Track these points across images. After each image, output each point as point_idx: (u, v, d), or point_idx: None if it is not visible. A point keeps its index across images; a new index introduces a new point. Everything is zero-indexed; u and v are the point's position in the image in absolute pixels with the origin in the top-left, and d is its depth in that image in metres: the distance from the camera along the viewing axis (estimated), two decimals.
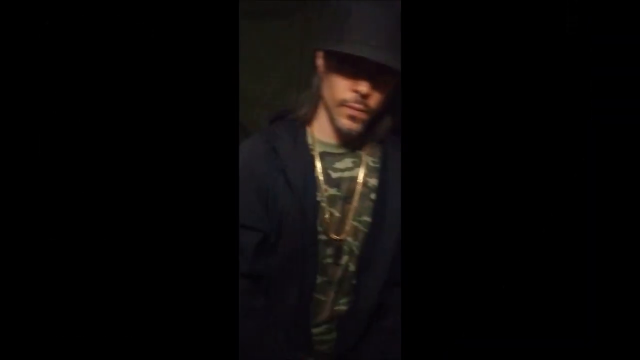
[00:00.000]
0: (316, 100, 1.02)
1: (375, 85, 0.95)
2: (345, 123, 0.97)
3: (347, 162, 1.03)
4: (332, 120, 1.00)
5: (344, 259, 1.02)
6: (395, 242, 1.01)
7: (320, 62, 1.00)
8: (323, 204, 1.00)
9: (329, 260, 1.01)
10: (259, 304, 1.02)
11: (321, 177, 1.01)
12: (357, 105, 0.95)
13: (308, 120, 1.04)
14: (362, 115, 0.96)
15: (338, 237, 1.00)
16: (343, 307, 1.04)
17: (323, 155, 1.02)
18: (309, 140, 1.03)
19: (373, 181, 1.03)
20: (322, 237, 1.00)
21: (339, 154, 1.03)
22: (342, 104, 0.96)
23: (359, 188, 1.02)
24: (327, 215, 1.00)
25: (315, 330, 1.04)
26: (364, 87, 0.93)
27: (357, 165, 1.03)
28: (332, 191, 1.01)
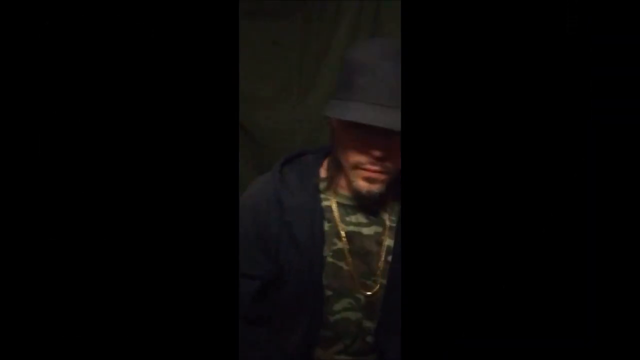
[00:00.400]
0: (336, 163, 0.93)
1: (392, 146, 0.85)
2: (363, 185, 0.89)
3: (360, 217, 0.95)
4: (349, 181, 0.91)
5: (356, 315, 0.96)
6: None
7: (334, 123, 0.91)
8: (330, 259, 0.93)
9: (339, 316, 0.95)
10: (259, 337, 0.99)
11: (331, 230, 0.94)
12: (373, 168, 0.87)
13: (330, 183, 0.96)
14: (381, 177, 0.88)
15: (368, 293, 0.94)
16: (349, 358, 0.99)
17: (337, 207, 0.95)
18: (322, 188, 0.96)
19: (389, 242, 0.95)
20: (329, 292, 0.94)
21: (353, 207, 0.95)
22: (357, 166, 0.88)
23: (373, 247, 0.95)
24: (346, 267, 0.93)
25: None
26: (377, 152, 0.85)
27: (373, 222, 0.96)
28: (341, 245, 0.94)
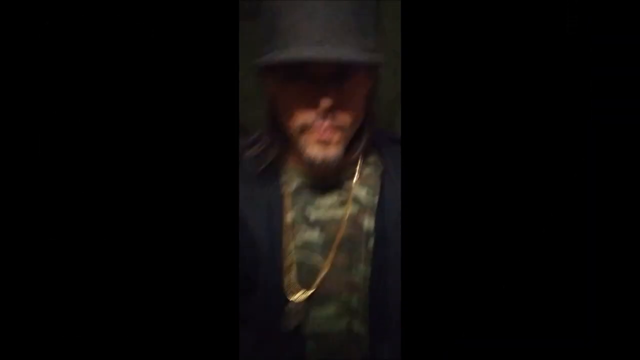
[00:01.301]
0: (282, 136, 0.79)
1: (341, 94, 0.72)
2: (317, 152, 0.73)
3: (331, 198, 0.80)
4: (299, 154, 0.76)
5: (343, 320, 0.79)
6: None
7: (268, 83, 0.78)
8: (294, 255, 0.78)
9: (325, 327, 0.79)
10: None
11: (295, 220, 0.79)
12: (324, 125, 0.72)
13: (283, 160, 0.82)
14: (336, 137, 0.73)
15: (301, 298, 0.77)
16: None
17: (299, 191, 0.80)
18: (284, 172, 0.81)
19: (368, 223, 0.80)
20: (297, 295, 0.78)
21: (321, 188, 0.80)
22: (305, 129, 0.73)
23: (349, 232, 0.79)
24: (322, 263, 0.78)
25: None
26: (325, 101, 0.71)
27: (344, 202, 0.80)
28: (311, 235, 0.79)
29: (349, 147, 0.77)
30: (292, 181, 0.81)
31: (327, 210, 0.80)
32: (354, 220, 0.80)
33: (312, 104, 0.72)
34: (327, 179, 0.80)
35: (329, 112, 0.72)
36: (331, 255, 0.79)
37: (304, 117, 0.73)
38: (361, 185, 0.81)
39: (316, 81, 0.71)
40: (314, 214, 0.80)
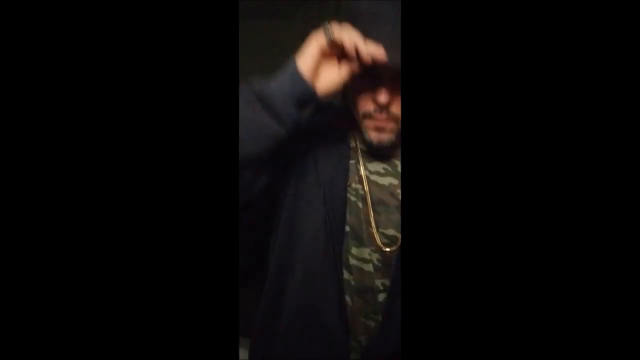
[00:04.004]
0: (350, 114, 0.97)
1: (396, 92, 0.87)
2: (373, 136, 0.92)
3: (378, 165, 0.97)
4: (362, 132, 0.94)
5: (368, 267, 0.96)
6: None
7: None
8: (351, 197, 0.95)
9: (355, 262, 0.96)
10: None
11: (354, 168, 0.97)
12: (381, 116, 0.89)
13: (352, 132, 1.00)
14: (390, 125, 0.90)
15: (386, 249, 0.95)
16: (372, 323, 0.97)
17: (360, 150, 0.98)
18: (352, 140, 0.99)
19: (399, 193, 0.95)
20: (347, 228, 0.95)
21: (373, 155, 0.97)
22: (366, 116, 0.91)
23: (386, 198, 0.96)
24: (363, 213, 0.95)
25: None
26: (382, 97, 0.87)
27: (388, 173, 0.97)
28: (359, 188, 0.96)
29: (399, 135, 0.94)
30: (355, 142, 0.99)
31: (371, 174, 0.98)
32: (391, 190, 0.97)
33: (373, 98, 0.89)
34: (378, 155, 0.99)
35: (386, 106, 0.88)
36: (364, 212, 0.96)
37: (365, 106, 0.91)
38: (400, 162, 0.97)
39: (377, 78, 0.87)
40: (362, 172, 0.98)
